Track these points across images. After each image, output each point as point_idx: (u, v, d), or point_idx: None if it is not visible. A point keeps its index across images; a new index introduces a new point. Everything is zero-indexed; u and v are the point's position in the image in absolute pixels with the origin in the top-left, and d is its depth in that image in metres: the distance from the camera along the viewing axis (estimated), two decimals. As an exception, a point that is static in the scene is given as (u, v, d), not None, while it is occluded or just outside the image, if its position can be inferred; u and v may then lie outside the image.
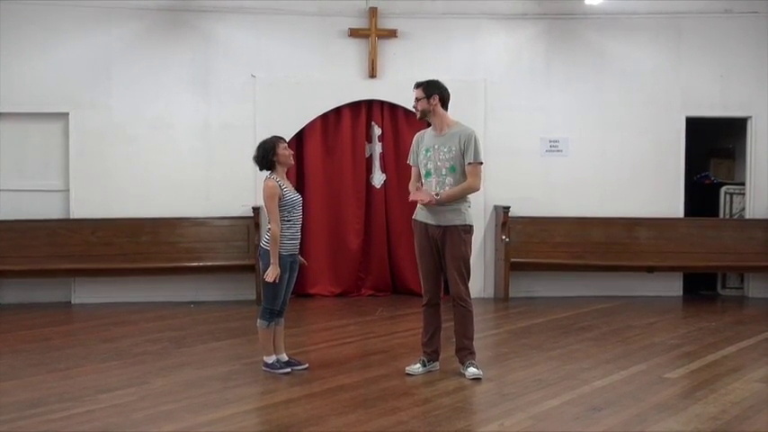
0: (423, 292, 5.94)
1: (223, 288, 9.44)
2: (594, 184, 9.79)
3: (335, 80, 9.57)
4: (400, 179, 9.62)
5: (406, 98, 9.44)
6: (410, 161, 5.98)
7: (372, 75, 9.53)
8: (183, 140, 9.47)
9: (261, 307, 5.87)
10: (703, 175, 10.70)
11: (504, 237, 9.35)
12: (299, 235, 5.88)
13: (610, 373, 5.89)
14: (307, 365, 5.98)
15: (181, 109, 9.46)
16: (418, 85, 5.81)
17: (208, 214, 9.42)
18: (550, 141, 9.81)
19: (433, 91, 5.75)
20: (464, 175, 5.65)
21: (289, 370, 5.83)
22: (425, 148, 5.79)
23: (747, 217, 9.92)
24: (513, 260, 9.33)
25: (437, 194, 5.60)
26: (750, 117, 9.83)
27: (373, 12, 9.46)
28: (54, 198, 9.37)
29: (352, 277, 9.81)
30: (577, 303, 9.15)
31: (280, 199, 5.70)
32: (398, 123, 9.75)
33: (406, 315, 8.53)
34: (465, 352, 5.78)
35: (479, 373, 5.67)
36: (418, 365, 5.87)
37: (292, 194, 5.83)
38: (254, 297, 9.21)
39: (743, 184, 10.07)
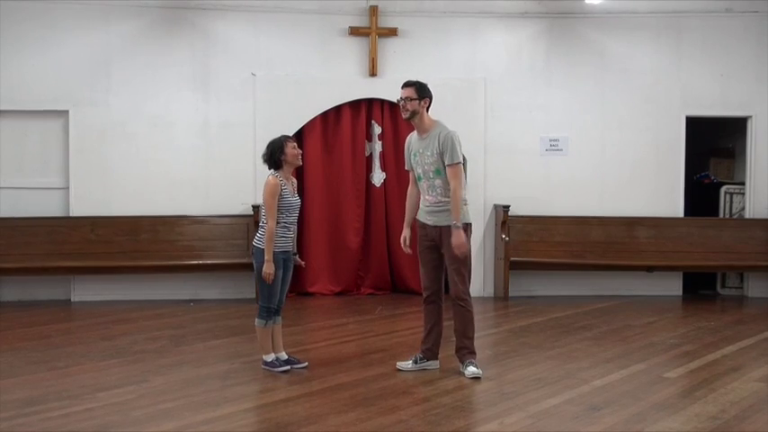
0: (422, 288, 5.98)
1: (222, 286, 9.45)
2: (594, 183, 9.78)
3: (335, 78, 9.57)
4: (400, 178, 9.62)
5: (407, 97, 9.56)
6: (407, 166, 6.02)
7: (372, 73, 9.52)
8: (182, 138, 9.47)
9: (258, 306, 5.85)
10: (703, 174, 10.70)
11: (503, 236, 9.34)
12: (291, 235, 5.88)
13: (609, 373, 5.89)
14: (306, 364, 5.98)
15: (180, 107, 9.45)
16: (410, 84, 5.80)
17: (207, 212, 9.41)
18: (550, 140, 9.80)
19: (426, 94, 5.77)
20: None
21: (288, 368, 5.83)
22: (413, 153, 5.85)
23: (747, 216, 9.92)
24: (512, 259, 9.32)
25: (454, 224, 5.59)
26: (750, 116, 9.83)
27: (373, 10, 9.45)
28: (54, 196, 9.37)
29: (352, 276, 9.81)
30: (577, 302, 9.16)
31: (279, 199, 5.69)
32: (398, 122, 9.73)
33: (406, 314, 8.54)
34: (464, 351, 5.79)
35: (479, 372, 5.67)
36: (409, 362, 5.91)
37: (291, 198, 5.80)
38: (253, 295, 9.20)
39: (743, 183, 10.07)
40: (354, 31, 9.52)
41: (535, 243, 9.59)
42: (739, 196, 10.11)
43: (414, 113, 5.75)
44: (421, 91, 5.75)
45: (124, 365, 6.10)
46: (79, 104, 9.27)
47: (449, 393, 5.32)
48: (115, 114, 9.35)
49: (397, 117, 9.70)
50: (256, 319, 5.82)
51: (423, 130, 5.78)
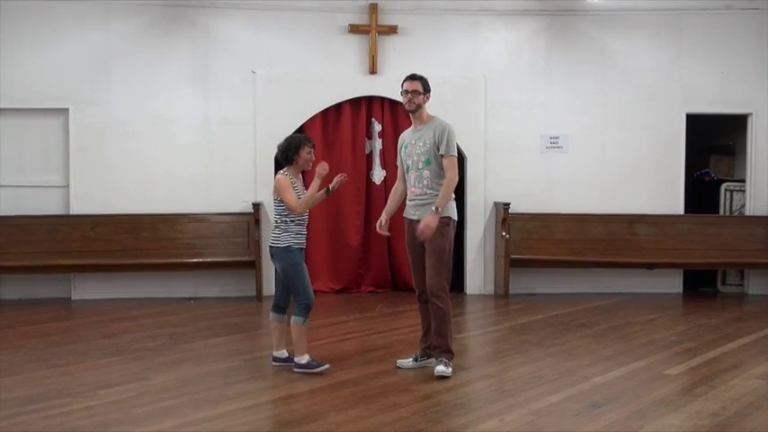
0: (414, 286, 5.98)
1: (223, 284, 9.45)
2: (595, 180, 9.78)
3: (336, 76, 9.56)
4: (400, 176, 9.61)
5: (407, 94, 9.55)
6: (398, 161, 6.04)
7: (373, 71, 9.52)
8: (182, 136, 9.47)
9: (296, 304, 5.74)
10: (703, 171, 10.70)
11: (504, 233, 9.34)
12: (305, 231, 5.86)
13: (609, 370, 5.89)
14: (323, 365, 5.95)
15: (181, 105, 9.45)
16: (417, 78, 5.81)
17: (207, 210, 9.41)
18: (550, 138, 9.80)
19: (429, 88, 5.82)
20: (440, 168, 5.67)
21: (328, 366, 5.74)
22: (405, 145, 5.88)
23: (747, 214, 9.91)
24: (513, 257, 9.32)
25: (436, 209, 5.59)
26: (750, 114, 9.82)
27: (374, 8, 9.44)
28: (54, 194, 9.37)
29: (352, 274, 9.82)
30: (577, 300, 9.16)
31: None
32: (399, 120, 9.73)
33: (406, 311, 8.53)
34: (437, 349, 5.71)
35: (446, 371, 5.57)
36: (409, 360, 5.90)
37: (302, 194, 5.78)
38: (253, 293, 9.22)
39: (743, 180, 10.07)
40: (354, 29, 9.51)
41: (535, 241, 9.59)
42: (740, 193, 10.11)
43: (418, 106, 5.78)
44: (426, 85, 5.80)
45: (124, 363, 6.10)
46: (79, 102, 9.27)
47: (449, 390, 5.32)
48: (115, 112, 9.35)
49: (398, 115, 9.73)
50: (294, 318, 5.72)
51: (419, 123, 5.82)
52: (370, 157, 9.84)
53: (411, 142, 5.81)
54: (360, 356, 6.38)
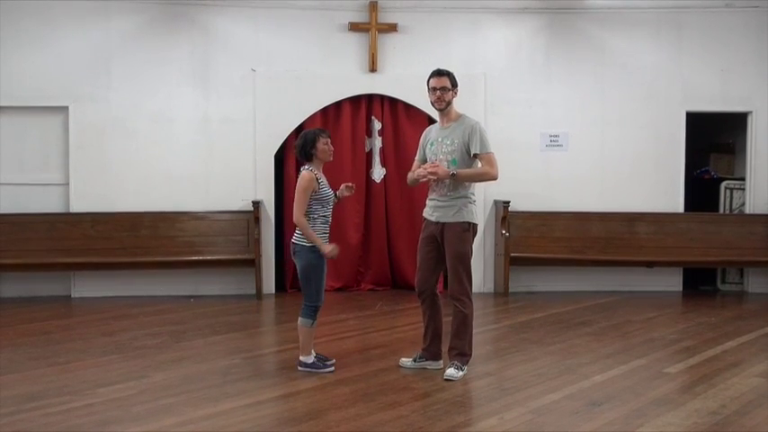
0: (415, 285, 5.89)
1: (223, 282, 9.45)
2: (594, 178, 9.78)
3: (335, 74, 9.56)
4: (400, 174, 9.62)
5: (407, 92, 9.58)
6: (417, 156, 5.87)
7: (372, 69, 9.52)
8: (182, 134, 9.46)
9: (303, 305, 5.70)
10: (703, 170, 10.69)
11: (503, 231, 9.34)
12: (327, 231, 5.75)
13: (609, 368, 5.90)
14: (334, 360, 5.90)
15: (180, 103, 9.45)
16: (444, 74, 5.62)
17: (207, 208, 9.41)
18: (550, 136, 9.80)
19: (457, 83, 5.64)
20: (468, 168, 5.55)
21: (332, 368, 5.71)
22: (430, 142, 5.72)
23: (747, 212, 9.92)
24: (512, 255, 9.33)
25: (453, 173, 5.48)
26: (750, 112, 9.82)
27: (373, 6, 9.44)
28: (53, 192, 9.37)
29: (352, 272, 9.82)
30: (577, 298, 9.16)
31: (314, 192, 5.59)
32: (398, 118, 9.74)
33: (406, 309, 8.54)
34: (453, 351, 5.66)
35: (455, 375, 5.50)
36: (410, 359, 5.87)
37: (328, 190, 5.71)
38: (253, 291, 9.22)
39: (743, 179, 10.07)
40: (354, 27, 9.51)
41: (535, 239, 9.59)
42: (739, 192, 10.11)
43: (448, 103, 5.62)
44: (454, 79, 5.63)
45: (124, 361, 6.11)
46: (79, 100, 9.27)
47: (449, 389, 5.32)
48: (115, 110, 9.35)
49: (398, 113, 9.74)
50: (301, 319, 5.69)
51: (447, 120, 5.64)
52: (369, 155, 9.84)
53: (437, 140, 5.64)
54: (360, 354, 6.38)
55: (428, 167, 5.53)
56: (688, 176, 10.02)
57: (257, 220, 9.20)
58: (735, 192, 10.17)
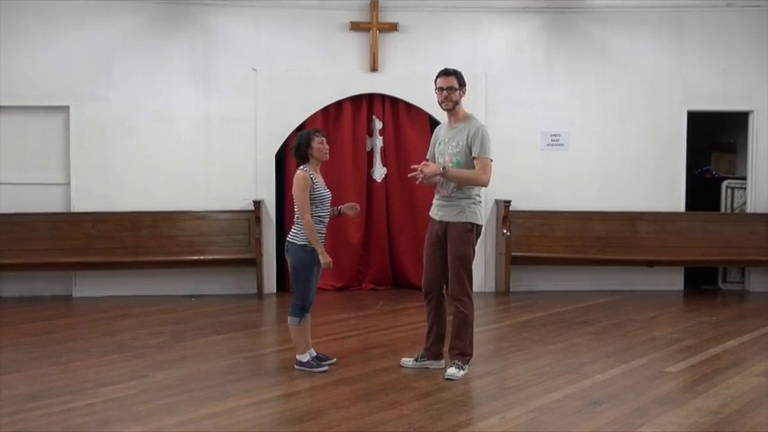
0: (422, 284, 5.87)
1: (223, 281, 9.46)
2: (595, 178, 9.78)
3: (336, 73, 9.56)
4: (401, 173, 9.62)
5: (408, 92, 9.59)
6: (428, 155, 5.83)
7: (373, 68, 9.51)
8: (183, 134, 9.47)
9: (291, 303, 5.72)
10: (704, 169, 10.69)
11: (504, 231, 9.34)
12: (324, 230, 5.76)
13: (610, 367, 5.89)
14: (335, 360, 5.94)
15: (181, 102, 9.45)
16: (451, 73, 5.57)
17: (208, 208, 9.41)
18: (551, 135, 9.80)
19: (464, 82, 5.59)
20: (472, 169, 5.53)
21: (326, 368, 5.72)
22: (438, 141, 5.70)
23: (749, 211, 9.91)
24: (513, 254, 9.33)
25: (444, 168, 5.49)
26: (752, 111, 9.82)
27: (374, 5, 9.44)
28: (55, 191, 9.38)
29: (353, 271, 9.82)
30: (578, 297, 9.16)
31: (310, 192, 5.60)
32: (399, 117, 9.74)
33: (407, 309, 8.55)
34: (454, 351, 5.66)
35: (456, 375, 5.50)
36: (411, 359, 5.86)
37: (323, 190, 5.71)
38: (254, 291, 9.22)
39: (744, 178, 10.06)
40: (355, 26, 9.51)
41: (536, 238, 9.59)
42: (741, 191, 10.11)
43: (455, 104, 5.58)
44: (461, 79, 5.58)
45: (125, 361, 6.11)
46: (80, 100, 9.27)
47: (450, 388, 5.31)
48: (116, 110, 9.35)
49: (398, 112, 9.74)
50: (289, 318, 5.71)
51: (455, 120, 5.61)
52: (370, 154, 9.84)
53: (445, 140, 5.62)
54: (361, 354, 6.38)
55: (422, 167, 5.54)
56: (689, 176, 10.02)
57: (258, 219, 9.20)
58: (736, 191, 10.17)
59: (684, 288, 9.93)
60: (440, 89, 5.58)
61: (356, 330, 7.44)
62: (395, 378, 5.57)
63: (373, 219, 9.83)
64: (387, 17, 9.54)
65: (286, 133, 9.46)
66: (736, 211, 10.12)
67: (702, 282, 10.27)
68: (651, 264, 9.58)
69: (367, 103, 9.74)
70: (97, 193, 9.30)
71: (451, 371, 5.54)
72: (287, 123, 9.43)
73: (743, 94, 9.78)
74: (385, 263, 9.88)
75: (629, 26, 9.78)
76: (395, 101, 9.71)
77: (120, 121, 9.36)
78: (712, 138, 10.89)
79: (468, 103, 5.85)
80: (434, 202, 5.74)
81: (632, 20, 9.77)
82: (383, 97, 9.71)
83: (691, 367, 6.00)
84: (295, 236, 5.67)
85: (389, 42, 9.58)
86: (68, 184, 9.34)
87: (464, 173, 5.52)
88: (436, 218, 5.68)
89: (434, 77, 5.65)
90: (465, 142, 5.51)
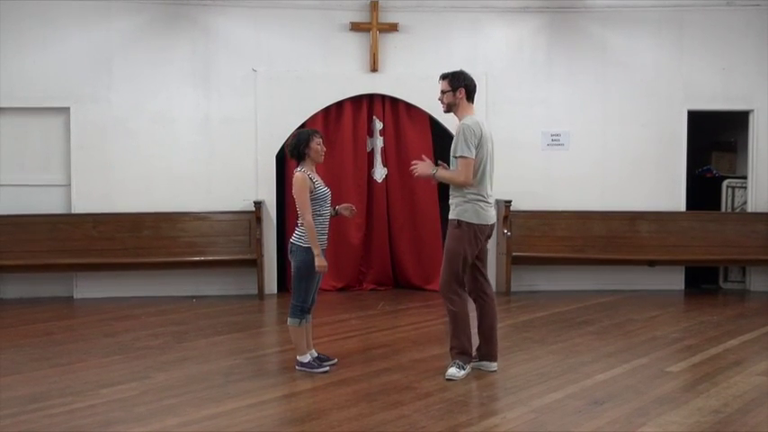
0: None
1: (224, 282, 9.46)
2: (596, 177, 9.78)
3: (337, 74, 9.56)
4: (401, 173, 9.63)
5: (408, 92, 9.59)
6: None
7: (374, 69, 9.52)
8: (183, 134, 9.47)
9: (291, 305, 5.73)
10: (705, 168, 10.68)
11: (505, 231, 9.34)
12: (327, 229, 5.77)
13: (611, 367, 5.90)
14: (336, 360, 5.95)
15: (182, 103, 9.45)
16: (444, 77, 5.63)
17: (209, 209, 9.41)
18: (552, 135, 9.80)
19: (459, 83, 5.59)
20: None
21: (327, 369, 5.73)
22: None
23: (749, 210, 9.91)
24: (514, 254, 9.33)
25: (434, 171, 5.59)
26: (752, 110, 9.82)
27: (374, 5, 9.44)
28: (55, 192, 9.38)
29: (354, 272, 9.82)
30: (579, 297, 9.16)
31: (311, 192, 5.60)
32: (400, 118, 9.74)
33: (408, 309, 8.55)
34: (454, 351, 5.66)
35: (456, 375, 5.50)
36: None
37: (323, 188, 5.72)
38: (255, 291, 9.23)
39: (745, 177, 10.06)
40: (355, 27, 9.51)
41: (537, 238, 9.59)
42: (741, 190, 10.10)
43: (450, 106, 5.62)
44: (454, 81, 5.57)
45: (127, 362, 6.11)
46: (80, 101, 9.28)
47: (451, 388, 5.32)
48: (116, 111, 9.35)
49: (399, 112, 9.74)
50: (289, 319, 5.71)
51: (458, 121, 5.67)
52: (371, 155, 9.83)
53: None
54: (362, 354, 6.38)
55: (416, 167, 5.65)
56: (690, 175, 10.02)
57: (259, 220, 9.20)
58: (736, 190, 10.16)
59: (685, 287, 9.93)
60: (441, 92, 5.66)
61: (357, 331, 7.44)
62: (396, 378, 5.57)
63: (374, 219, 9.83)
64: (387, 17, 9.54)
65: (286, 134, 9.41)
66: (737, 211, 10.11)
67: (703, 281, 10.26)
68: (652, 263, 9.57)
69: (367, 104, 9.74)
70: (98, 194, 9.30)
71: (451, 371, 5.55)
72: (287, 124, 9.42)
73: (743, 93, 9.77)
74: (386, 263, 9.88)
75: (629, 26, 9.78)
76: (395, 101, 9.71)
77: (121, 122, 9.36)
78: (713, 137, 10.89)
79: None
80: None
81: (632, 19, 9.77)
82: (383, 98, 9.71)
83: (692, 367, 6.00)
84: (299, 238, 5.67)
85: (390, 43, 9.58)
86: (69, 185, 9.35)
87: (447, 173, 5.59)
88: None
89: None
90: (454, 143, 5.58)
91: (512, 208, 9.44)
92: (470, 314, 5.71)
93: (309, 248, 5.60)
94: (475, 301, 5.79)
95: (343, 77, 9.57)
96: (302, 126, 9.39)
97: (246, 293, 9.34)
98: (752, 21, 9.72)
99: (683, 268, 9.97)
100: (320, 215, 5.68)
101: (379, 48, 9.49)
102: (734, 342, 6.83)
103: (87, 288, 9.32)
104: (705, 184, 10.49)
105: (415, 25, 9.60)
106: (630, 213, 9.69)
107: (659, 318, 8.05)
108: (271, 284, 9.51)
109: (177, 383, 5.47)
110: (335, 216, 6.01)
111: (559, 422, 4.63)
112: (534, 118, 9.77)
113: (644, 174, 9.78)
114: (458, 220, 5.59)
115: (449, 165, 5.67)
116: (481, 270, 5.79)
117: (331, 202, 5.85)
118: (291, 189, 5.73)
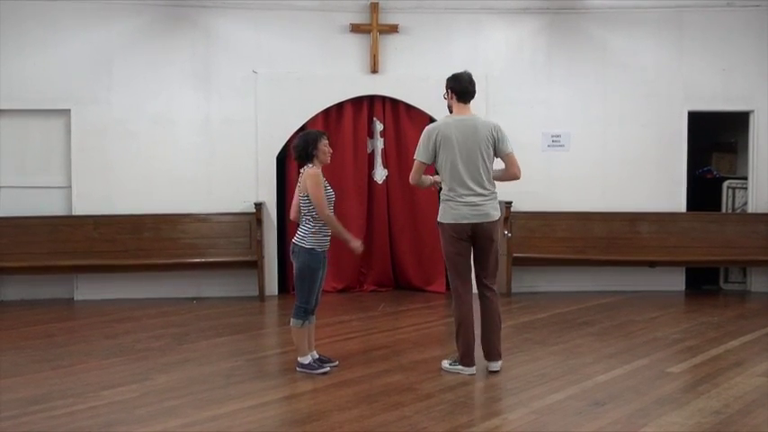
0: None
1: (225, 284, 9.45)
2: (596, 178, 9.77)
3: (337, 75, 9.56)
4: (402, 175, 9.63)
5: (408, 93, 9.60)
6: None
7: (374, 70, 9.52)
8: (184, 136, 9.47)
9: (294, 305, 5.74)
10: (705, 169, 10.68)
11: (506, 232, 9.34)
12: (330, 232, 5.77)
13: (612, 368, 5.90)
14: (337, 362, 5.95)
15: (182, 104, 9.45)
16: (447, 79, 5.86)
17: (209, 210, 9.41)
18: (552, 136, 9.80)
19: (449, 86, 5.78)
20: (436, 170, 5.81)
21: (327, 369, 5.74)
22: None
23: (750, 211, 9.90)
24: (515, 255, 9.33)
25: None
26: (752, 111, 9.81)
27: (374, 7, 9.44)
28: (56, 194, 9.38)
29: (355, 273, 9.82)
30: (580, 298, 9.15)
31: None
32: (400, 119, 9.74)
33: (409, 310, 8.55)
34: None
35: (443, 365, 5.81)
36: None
37: (330, 189, 5.76)
38: (256, 293, 9.23)
39: (745, 178, 10.05)
40: (355, 28, 9.51)
41: (537, 239, 9.59)
42: (742, 191, 10.10)
43: (449, 107, 5.82)
44: (447, 83, 5.80)
45: (128, 363, 6.12)
46: (81, 103, 9.28)
47: (452, 389, 5.32)
48: (117, 112, 9.36)
49: (399, 114, 9.74)
50: (292, 320, 5.72)
51: None
52: (371, 156, 9.83)
53: None
54: (362, 355, 6.38)
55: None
56: (690, 176, 10.01)
57: (259, 221, 9.20)
58: (737, 191, 10.16)
59: (686, 288, 9.92)
60: None
61: (358, 332, 7.44)
62: (397, 379, 5.57)
63: (374, 220, 9.83)
64: (387, 19, 9.54)
65: (287, 135, 9.46)
66: (737, 211, 10.11)
67: (704, 282, 10.26)
68: (652, 264, 9.57)
69: (368, 105, 9.74)
70: (98, 195, 9.30)
71: (443, 362, 5.84)
72: (288, 125, 9.43)
73: (743, 93, 9.77)
74: (386, 264, 9.87)
75: (629, 26, 9.78)
76: (395, 102, 9.71)
77: (121, 124, 9.36)
78: (713, 138, 10.89)
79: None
80: None
81: (632, 20, 9.77)
82: (384, 99, 9.71)
83: (692, 368, 6.00)
84: (301, 239, 5.67)
85: (390, 44, 9.58)
86: (69, 186, 9.34)
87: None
88: None
89: None
90: None
91: (512, 209, 9.43)
92: (473, 317, 5.74)
93: (311, 249, 5.60)
94: (480, 300, 5.81)
95: (344, 79, 9.57)
96: (303, 127, 9.40)
97: (247, 295, 9.34)
98: (752, 21, 9.72)
99: (684, 269, 9.96)
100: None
101: (379, 49, 9.50)
102: (735, 343, 6.83)
103: (88, 290, 9.32)
104: (705, 185, 10.49)
105: (415, 26, 9.60)
106: (631, 214, 9.68)
107: (660, 319, 8.05)
108: (271, 286, 9.50)
109: (178, 385, 5.47)
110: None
111: (560, 423, 4.64)
112: (534, 119, 9.77)
113: (644, 175, 9.78)
114: (438, 221, 5.77)
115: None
116: (479, 273, 5.79)
117: (335, 205, 5.85)
118: (291, 190, 5.73)
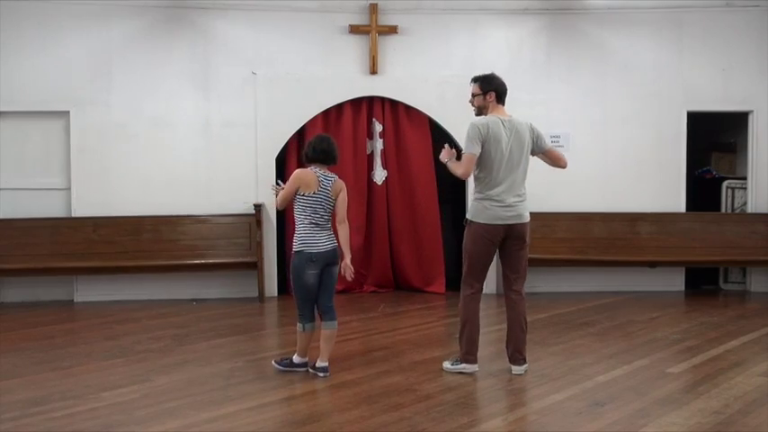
0: None
1: (225, 285, 9.45)
2: (596, 179, 9.77)
3: (336, 76, 9.56)
4: (401, 175, 9.65)
5: (407, 94, 9.60)
6: None
7: (373, 71, 9.52)
8: (183, 138, 9.47)
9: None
10: (705, 169, 10.69)
11: (505, 232, 9.32)
12: (325, 233, 5.85)
13: (612, 368, 5.90)
14: (326, 375, 5.89)
15: (181, 106, 9.45)
16: (475, 80, 5.74)
17: (209, 212, 9.41)
18: (552, 136, 9.75)
19: (490, 87, 5.68)
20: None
21: (303, 369, 5.76)
22: None
23: (749, 211, 9.91)
24: (514, 256, 9.31)
25: (447, 160, 5.82)
26: (752, 111, 9.82)
27: (373, 8, 9.45)
28: (55, 196, 9.37)
29: (354, 274, 9.78)
30: (580, 298, 9.15)
31: (314, 193, 5.76)
32: (399, 120, 9.74)
33: (409, 311, 8.55)
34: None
35: (444, 365, 5.80)
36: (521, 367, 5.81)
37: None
38: (256, 294, 9.23)
39: (745, 178, 10.06)
40: (354, 29, 9.51)
41: (537, 239, 9.52)
42: (741, 191, 10.10)
43: (480, 108, 5.72)
44: (484, 85, 5.68)
45: (128, 365, 6.11)
46: (80, 105, 9.28)
47: (452, 390, 5.32)
48: (116, 114, 9.36)
49: (398, 115, 9.74)
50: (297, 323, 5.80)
51: None
52: (371, 157, 9.83)
53: None
54: (362, 357, 6.38)
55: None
56: (689, 176, 10.02)
57: (259, 223, 9.20)
58: (736, 191, 10.17)
59: (686, 288, 9.92)
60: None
61: (358, 333, 7.43)
62: (397, 380, 5.57)
63: (374, 221, 9.82)
64: (386, 20, 9.54)
65: (286, 136, 9.47)
66: (737, 212, 10.11)
67: (703, 282, 10.26)
68: (652, 264, 9.58)
69: (367, 106, 9.74)
70: (98, 197, 9.30)
71: (445, 362, 5.82)
72: (287, 127, 9.44)
73: (743, 94, 9.78)
74: (386, 265, 9.87)
75: (628, 27, 9.78)
76: (395, 103, 9.71)
77: (121, 126, 9.36)
78: (712, 138, 10.89)
79: (468, 105, 5.92)
80: None
81: (632, 20, 9.77)
82: (383, 100, 9.71)
83: (692, 368, 6.00)
84: (294, 242, 5.71)
85: (389, 45, 9.59)
86: (69, 188, 9.34)
87: (453, 164, 5.77)
88: None
89: None
90: None
91: (512, 210, 9.41)
92: (479, 316, 5.79)
93: (299, 252, 5.64)
94: (506, 303, 5.86)
95: (343, 80, 9.57)
96: (302, 129, 9.42)
97: (247, 296, 9.34)
98: (751, 22, 9.72)
99: (684, 269, 9.97)
100: (315, 221, 5.79)
101: (378, 50, 9.50)
102: (735, 343, 6.83)
103: (88, 291, 9.32)
104: (705, 185, 10.49)
105: (414, 27, 9.61)
106: (631, 215, 9.69)
107: (660, 319, 8.05)
108: (271, 287, 9.50)
109: (178, 386, 5.47)
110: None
111: (560, 423, 4.64)
112: (534, 119, 9.55)
113: (644, 175, 9.78)
114: (467, 218, 5.75)
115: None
116: (508, 275, 5.85)
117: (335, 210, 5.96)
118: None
